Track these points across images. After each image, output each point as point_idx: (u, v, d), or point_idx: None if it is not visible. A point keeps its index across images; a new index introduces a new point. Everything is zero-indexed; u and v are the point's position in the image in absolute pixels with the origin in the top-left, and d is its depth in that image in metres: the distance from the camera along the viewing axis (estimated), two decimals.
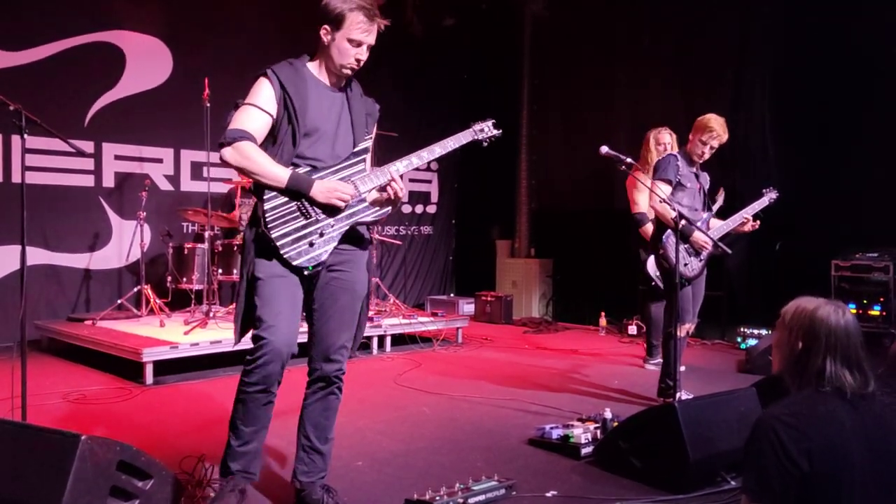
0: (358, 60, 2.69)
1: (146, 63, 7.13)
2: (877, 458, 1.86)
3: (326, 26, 2.65)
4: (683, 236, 4.34)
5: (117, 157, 7.07)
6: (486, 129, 3.00)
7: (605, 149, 3.97)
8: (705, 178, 4.81)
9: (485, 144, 3.02)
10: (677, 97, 7.66)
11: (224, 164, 2.62)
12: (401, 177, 2.76)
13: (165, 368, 5.10)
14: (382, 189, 2.75)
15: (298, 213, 2.63)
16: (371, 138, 2.85)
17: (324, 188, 2.62)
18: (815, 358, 1.92)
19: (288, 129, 2.64)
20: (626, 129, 8.06)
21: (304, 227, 2.63)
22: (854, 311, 6.08)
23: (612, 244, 7.92)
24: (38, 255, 6.53)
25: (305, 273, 2.65)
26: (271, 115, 2.62)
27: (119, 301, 6.41)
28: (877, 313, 6.06)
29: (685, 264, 4.46)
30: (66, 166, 6.70)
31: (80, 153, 3.71)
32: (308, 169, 2.66)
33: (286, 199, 2.61)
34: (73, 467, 2.30)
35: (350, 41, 2.64)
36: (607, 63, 8.42)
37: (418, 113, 9.37)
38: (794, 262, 6.69)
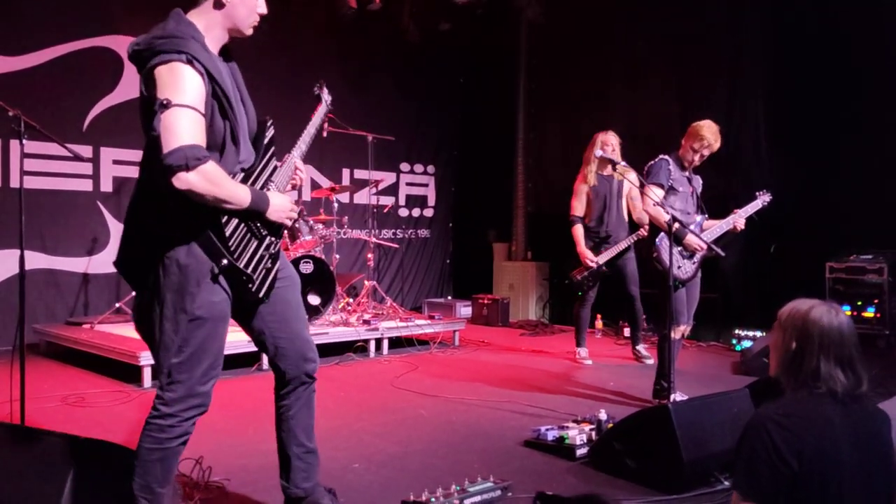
0: (261, 14, 2.40)
1: None
2: (865, 459, 1.88)
3: None
4: (677, 239, 4.38)
5: (115, 162, 7.10)
6: (328, 99, 2.82)
7: (598, 152, 4.02)
8: (698, 182, 4.84)
9: (329, 107, 2.82)
10: (673, 101, 7.70)
11: (184, 192, 2.12)
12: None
13: None
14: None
15: (251, 235, 2.34)
16: (271, 123, 2.53)
17: (278, 207, 2.37)
18: (809, 358, 1.94)
19: (224, 129, 2.27)
20: (622, 134, 8.08)
21: (257, 249, 2.36)
22: (848, 312, 6.11)
23: None
24: (36, 260, 6.54)
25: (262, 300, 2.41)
26: (206, 118, 2.21)
27: (117, 305, 6.44)
28: (871, 315, 6.09)
29: (678, 267, 4.49)
30: (65, 171, 6.73)
31: (78, 158, 3.73)
32: (241, 175, 2.36)
33: (238, 219, 2.29)
34: (73, 470, 2.33)
35: None
36: (603, 68, 8.46)
37: (415, 118, 9.43)
38: (788, 264, 6.73)
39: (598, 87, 8.50)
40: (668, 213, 4.11)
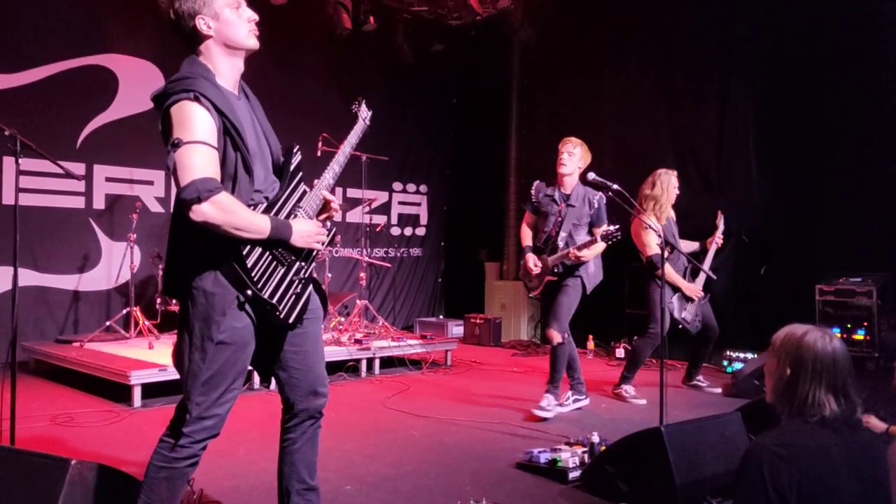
0: (253, 20, 2.39)
1: (138, 86, 7.17)
2: (863, 488, 1.88)
3: (201, 16, 2.33)
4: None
5: (108, 179, 7.10)
6: (367, 116, 2.84)
7: (591, 175, 4.05)
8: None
9: (367, 124, 2.84)
10: (664, 122, 7.78)
11: (201, 223, 2.18)
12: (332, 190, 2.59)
13: (153, 391, 5.08)
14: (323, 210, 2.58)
15: (276, 262, 2.35)
16: (297, 149, 2.55)
17: (303, 233, 2.38)
18: (802, 385, 1.94)
19: (236, 160, 2.30)
20: (613, 154, 8.16)
21: (284, 276, 2.37)
22: (838, 335, 6.14)
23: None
24: (26, 277, 6.51)
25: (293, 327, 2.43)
26: (218, 151, 2.26)
27: (108, 323, 6.40)
28: (861, 337, 6.12)
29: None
30: (57, 188, 6.72)
31: (71, 176, 3.72)
32: (264, 204, 2.38)
33: (261, 248, 2.31)
34: (63, 492, 2.30)
35: (230, 8, 2.36)
36: (595, 89, 8.53)
37: (408, 137, 9.49)
38: (778, 287, 6.76)
39: (589, 107, 8.56)
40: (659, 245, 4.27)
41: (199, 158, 2.19)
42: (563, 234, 4.85)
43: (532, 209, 5.13)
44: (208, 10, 2.33)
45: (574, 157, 5.00)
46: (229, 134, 2.28)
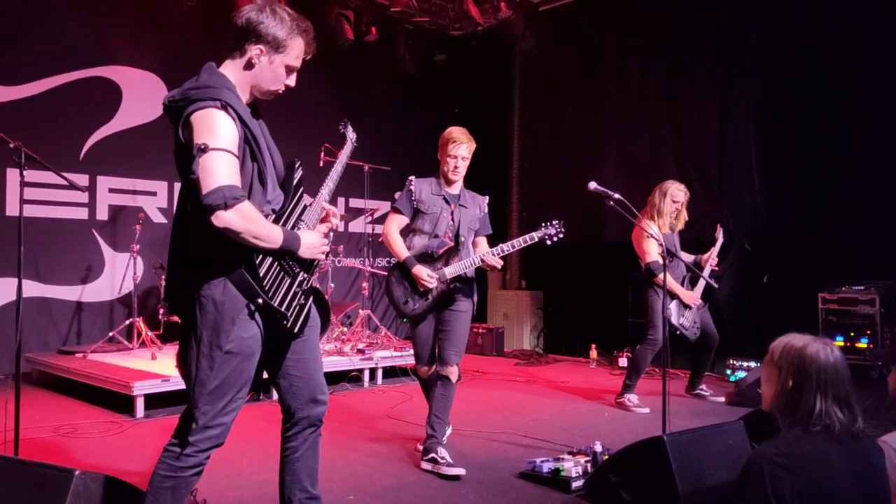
0: (287, 86, 2.50)
1: (142, 97, 7.21)
2: (865, 495, 1.88)
3: (262, 47, 2.38)
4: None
5: (111, 190, 7.13)
6: (353, 137, 2.95)
7: (593, 185, 4.05)
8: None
9: (355, 144, 2.94)
10: (665, 132, 7.80)
11: (222, 230, 2.20)
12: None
13: (157, 402, 5.09)
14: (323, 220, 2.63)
15: (284, 273, 2.40)
16: (299, 164, 2.60)
17: (310, 245, 2.43)
18: (806, 396, 1.95)
19: (252, 171, 2.36)
20: (615, 164, 8.19)
21: (290, 286, 2.42)
22: (841, 343, 6.14)
23: (602, 277, 7.99)
24: (29, 288, 6.52)
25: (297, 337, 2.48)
26: (238, 159, 2.30)
27: (111, 334, 6.40)
28: (864, 346, 6.12)
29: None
30: (60, 199, 6.75)
31: (75, 187, 3.73)
32: (272, 216, 2.42)
33: (271, 258, 2.36)
34: (67, 502, 2.31)
35: (287, 67, 2.45)
36: (596, 98, 8.57)
37: (410, 147, 9.51)
38: (781, 295, 6.76)
39: (591, 116, 8.60)
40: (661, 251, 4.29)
41: (225, 165, 2.22)
42: (462, 240, 4.12)
43: (412, 211, 4.20)
44: (272, 51, 2.39)
45: (467, 160, 4.29)
46: (249, 144, 2.33)
